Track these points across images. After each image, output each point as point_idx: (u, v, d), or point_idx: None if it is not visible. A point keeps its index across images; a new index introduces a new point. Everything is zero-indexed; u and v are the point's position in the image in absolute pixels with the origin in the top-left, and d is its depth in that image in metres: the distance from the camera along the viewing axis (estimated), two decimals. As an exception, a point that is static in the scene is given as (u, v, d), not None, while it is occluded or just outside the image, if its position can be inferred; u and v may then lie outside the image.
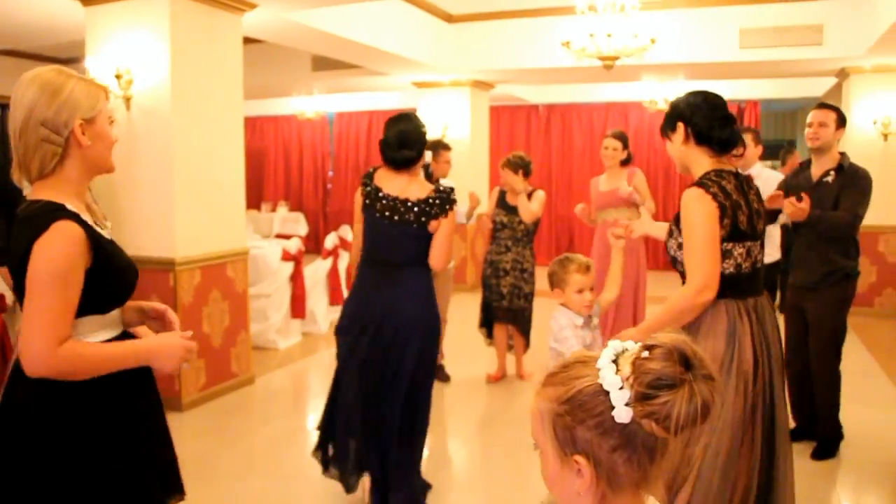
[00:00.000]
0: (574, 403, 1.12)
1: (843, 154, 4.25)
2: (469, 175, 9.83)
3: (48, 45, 7.90)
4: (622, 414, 1.08)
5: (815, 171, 4.28)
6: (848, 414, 4.55)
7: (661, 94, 10.60)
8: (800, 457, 4.04)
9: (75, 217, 1.87)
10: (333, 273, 7.65)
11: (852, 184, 4.11)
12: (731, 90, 11.49)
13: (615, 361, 1.12)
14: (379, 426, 3.47)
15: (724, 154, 2.68)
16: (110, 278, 1.95)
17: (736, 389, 2.52)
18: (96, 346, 1.91)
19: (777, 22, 7.83)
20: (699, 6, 8.01)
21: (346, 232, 8.41)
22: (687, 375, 1.07)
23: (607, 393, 1.09)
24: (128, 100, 5.06)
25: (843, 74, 8.76)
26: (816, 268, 4.18)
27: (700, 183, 2.58)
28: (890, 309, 8.55)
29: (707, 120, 2.65)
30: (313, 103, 12.52)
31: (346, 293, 7.96)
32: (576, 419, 1.11)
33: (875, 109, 8.44)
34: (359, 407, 3.46)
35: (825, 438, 4.33)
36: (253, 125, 14.84)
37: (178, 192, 5.05)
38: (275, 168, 14.82)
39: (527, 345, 5.76)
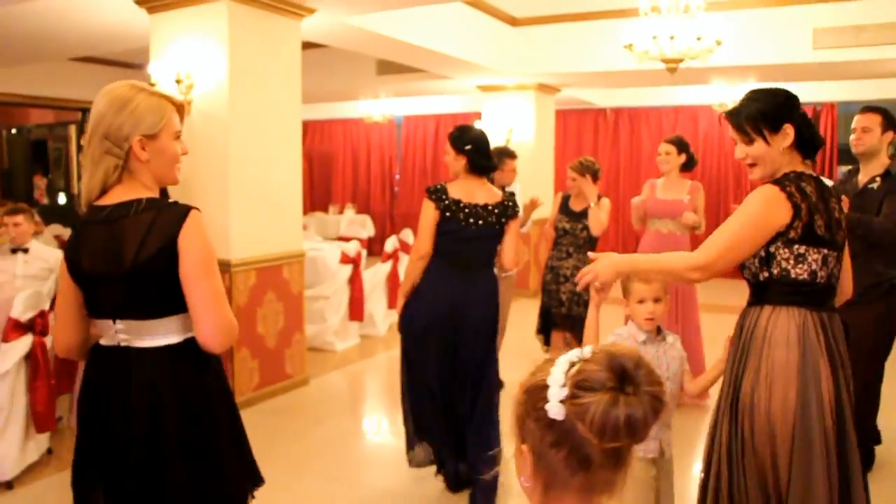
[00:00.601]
0: (528, 394, 1.17)
1: (893, 158, 4.04)
2: (534, 180, 9.76)
3: (119, 52, 8.14)
4: (554, 409, 1.11)
5: (862, 178, 4.09)
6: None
7: (731, 97, 10.33)
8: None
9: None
10: (393, 276, 7.68)
11: None
12: (806, 91, 11.13)
13: (574, 362, 1.15)
14: (458, 424, 3.73)
15: (811, 157, 2.53)
16: None
17: (814, 405, 2.37)
18: None
19: (853, 21, 7.53)
20: (769, 6, 7.77)
21: (408, 235, 8.44)
22: (615, 384, 1.09)
23: (548, 387, 1.13)
24: (189, 104, 5.16)
25: (924, 76, 8.39)
26: (860, 280, 3.92)
27: (777, 181, 2.41)
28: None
29: (807, 120, 2.48)
30: (380, 107, 12.62)
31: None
32: (526, 409, 1.17)
33: (959, 113, 8.04)
34: (440, 408, 3.73)
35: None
36: (321, 129, 15.04)
37: (233, 194, 5.14)
38: (343, 171, 14.98)
39: None
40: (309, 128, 15.09)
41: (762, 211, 2.38)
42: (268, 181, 5.42)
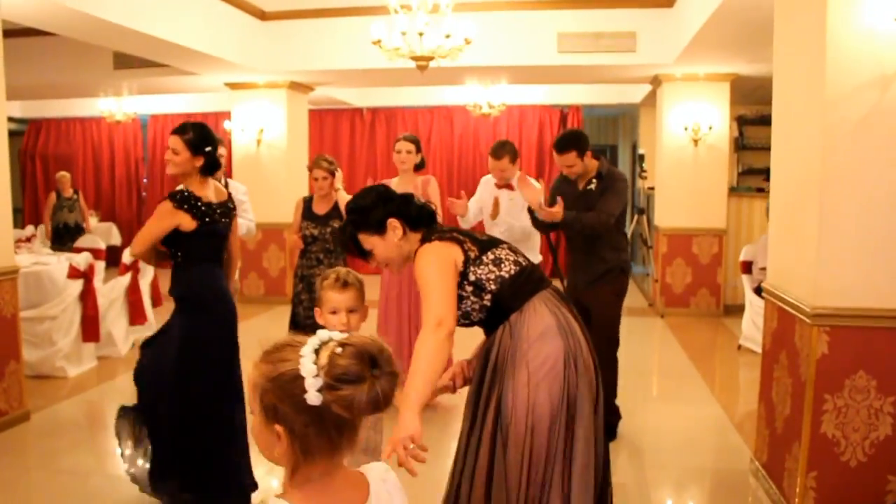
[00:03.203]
0: (277, 383, 1.30)
1: (600, 160, 4.58)
2: (287, 181, 9.38)
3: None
4: (313, 398, 1.26)
5: (580, 182, 4.59)
6: (661, 411, 5.36)
7: (486, 97, 10.53)
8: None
9: None
10: (133, 289, 6.98)
11: (610, 187, 4.45)
12: (554, 95, 11.64)
13: (317, 351, 1.30)
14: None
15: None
16: None
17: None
18: None
19: (593, 27, 7.88)
20: (516, 9, 7.97)
21: (151, 244, 7.75)
22: (369, 373, 1.28)
23: (304, 378, 1.27)
24: None
25: (656, 81, 8.98)
26: (596, 267, 4.54)
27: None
28: (704, 309, 8.83)
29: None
30: (122, 105, 11.63)
31: (149, 311, 7.36)
32: (277, 396, 1.30)
33: (686, 116, 8.69)
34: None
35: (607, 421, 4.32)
36: (57, 127, 13.65)
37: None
38: (83, 174, 13.61)
39: None
40: (43, 126, 13.66)
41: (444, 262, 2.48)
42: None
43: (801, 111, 3.59)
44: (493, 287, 2.49)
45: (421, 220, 2.63)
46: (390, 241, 2.59)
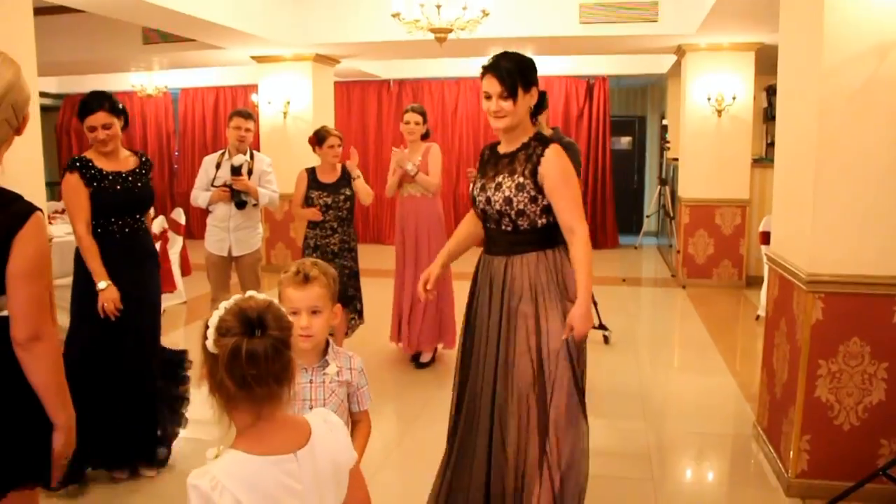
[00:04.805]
0: (202, 331, 1.50)
1: (555, 129, 4.77)
2: (312, 152, 9.48)
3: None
4: (210, 345, 1.47)
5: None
6: (678, 380, 5.54)
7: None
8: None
9: None
10: (163, 258, 7.19)
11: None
12: (580, 65, 11.60)
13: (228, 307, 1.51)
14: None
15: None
16: None
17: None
18: None
19: (614, -2, 7.88)
20: (537, -21, 7.97)
21: (179, 215, 7.97)
22: (241, 330, 1.45)
23: (208, 328, 1.49)
24: None
25: (680, 52, 8.93)
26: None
27: (554, 140, 2.81)
28: (727, 280, 8.83)
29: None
30: (153, 79, 11.83)
31: (178, 279, 7.60)
32: (201, 342, 1.50)
33: (710, 86, 8.64)
34: None
35: None
36: (91, 102, 13.89)
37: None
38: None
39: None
40: (77, 102, 13.86)
41: (570, 164, 2.76)
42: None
43: (801, 80, 3.62)
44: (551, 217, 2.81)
45: (540, 109, 2.88)
46: (524, 105, 2.76)
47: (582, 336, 2.66)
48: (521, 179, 2.74)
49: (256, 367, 1.43)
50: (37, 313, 1.99)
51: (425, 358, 5.63)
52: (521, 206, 2.73)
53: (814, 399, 3.42)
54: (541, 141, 2.79)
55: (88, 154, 3.68)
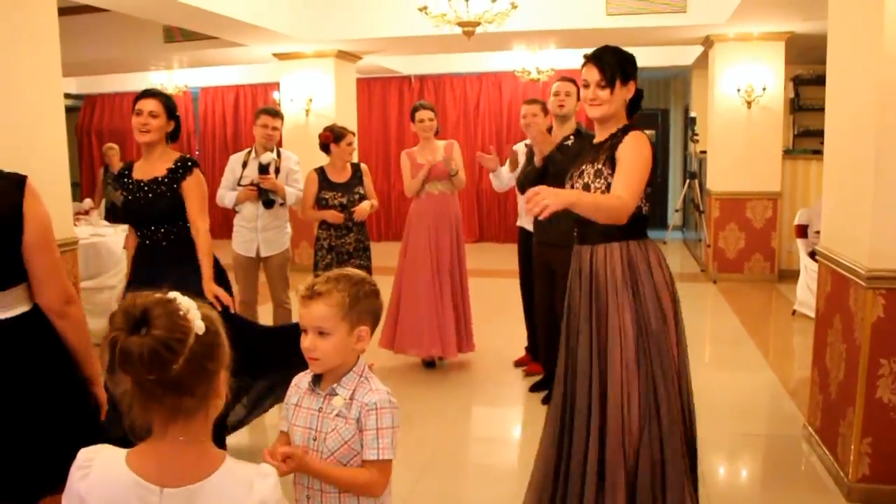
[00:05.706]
0: None
1: (578, 122, 4.70)
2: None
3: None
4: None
5: (557, 136, 4.56)
6: (714, 377, 5.31)
7: (534, 63, 10.41)
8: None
9: None
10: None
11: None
12: (602, 59, 11.43)
13: None
14: None
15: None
16: None
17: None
18: None
19: (643, -12, 7.73)
20: (563, -29, 7.84)
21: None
22: (122, 325, 1.29)
23: None
24: None
25: (708, 42, 8.77)
26: (566, 227, 4.20)
27: (639, 128, 2.79)
28: (758, 274, 8.67)
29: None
30: (174, 78, 11.78)
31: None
32: None
33: (739, 77, 8.48)
34: None
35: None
36: (111, 103, 13.88)
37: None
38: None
39: None
40: (97, 101, 13.90)
41: (650, 153, 2.73)
42: (26, 160, 4.73)
43: (856, 68, 3.47)
44: (644, 207, 2.79)
45: (635, 106, 2.89)
46: (621, 97, 2.78)
47: (543, 204, 2.41)
48: (600, 166, 2.76)
49: (132, 369, 1.28)
50: (63, 275, 2.10)
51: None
52: (598, 194, 2.73)
53: (875, 400, 3.28)
54: (626, 130, 2.77)
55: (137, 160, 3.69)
